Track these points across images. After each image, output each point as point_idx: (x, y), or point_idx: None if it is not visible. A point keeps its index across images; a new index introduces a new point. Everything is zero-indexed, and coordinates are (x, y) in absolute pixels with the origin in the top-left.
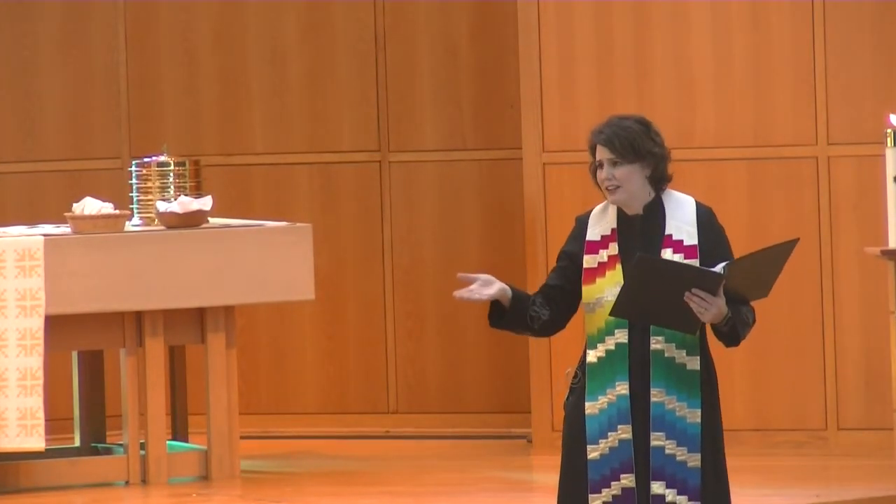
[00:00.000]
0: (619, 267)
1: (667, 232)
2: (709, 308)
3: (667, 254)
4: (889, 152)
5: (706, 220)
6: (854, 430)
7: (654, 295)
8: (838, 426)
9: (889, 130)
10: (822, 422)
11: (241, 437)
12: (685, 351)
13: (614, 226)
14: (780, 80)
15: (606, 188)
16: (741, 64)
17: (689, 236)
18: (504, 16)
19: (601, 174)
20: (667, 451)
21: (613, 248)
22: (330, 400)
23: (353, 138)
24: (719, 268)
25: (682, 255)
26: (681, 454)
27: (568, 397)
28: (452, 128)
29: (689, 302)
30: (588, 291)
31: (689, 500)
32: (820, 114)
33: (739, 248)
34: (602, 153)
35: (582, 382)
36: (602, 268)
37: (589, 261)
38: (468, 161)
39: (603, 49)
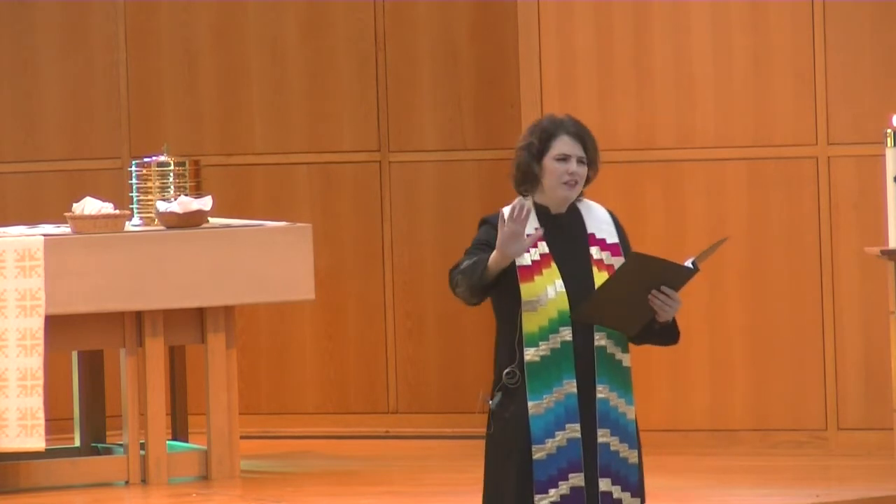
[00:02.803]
0: (553, 265)
1: (589, 231)
2: (672, 305)
3: (594, 252)
4: (889, 152)
5: (617, 220)
6: (854, 430)
7: (623, 294)
8: (838, 426)
9: (889, 130)
10: (822, 422)
11: (241, 437)
12: (621, 348)
13: (537, 225)
14: (780, 80)
15: (566, 182)
16: (741, 64)
17: (610, 235)
18: (504, 16)
19: (567, 167)
20: (612, 448)
21: (543, 247)
22: (330, 400)
23: (353, 138)
24: (689, 262)
25: (608, 252)
26: (623, 451)
27: (501, 400)
28: (452, 128)
29: (654, 299)
30: (528, 289)
31: (632, 496)
32: (820, 114)
33: (737, 248)
34: (572, 149)
35: (521, 382)
36: (537, 266)
37: (524, 259)
38: (468, 161)
39: (603, 49)
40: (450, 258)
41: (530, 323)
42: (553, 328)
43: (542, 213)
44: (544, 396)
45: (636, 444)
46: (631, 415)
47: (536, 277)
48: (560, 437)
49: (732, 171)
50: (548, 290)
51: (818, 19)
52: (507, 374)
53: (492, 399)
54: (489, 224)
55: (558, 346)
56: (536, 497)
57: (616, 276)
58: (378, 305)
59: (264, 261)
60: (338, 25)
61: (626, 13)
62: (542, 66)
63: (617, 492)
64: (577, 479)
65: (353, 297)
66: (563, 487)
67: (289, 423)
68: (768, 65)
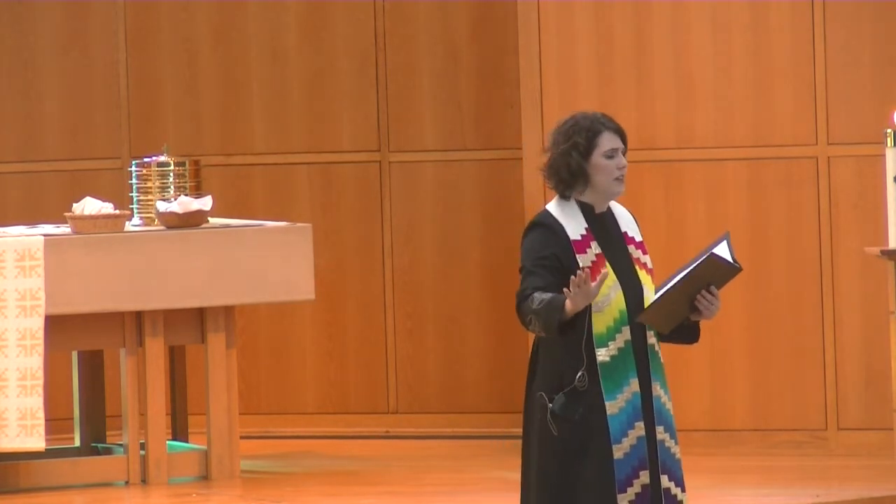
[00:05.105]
0: (608, 265)
1: (623, 229)
2: (716, 304)
3: (631, 250)
4: (889, 152)
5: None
6: (854, 430)
7: (680, 295)
8: (838, 426)
9: (889, 130)
10: (822, 422)
11: (241, 437)
12: (659, 344)
13: (586, 224)
14: (780, 80)
15: (617, 177)
16: (741, 64)
17: (637, 234)
18: (504, 16)
19: (617, 161)
20: (665, 445)
21: (596, 247)
22: (330, 400)
23: (353, 138)
24: (731, 259)
25: (640, 251)
26: (672, 446)
27: (566, 402)
28: (452, 128)
29: (701, 299)
30: None
31: (682, 491)
32: (820, 114)
33: (738, 248)
34: (617, 143)
35: (589, 385)
36: (596, 267)
37: (584, 260)
38: (468, 161)
39: (603, 49)
40: (450, 258)
41: (599, 324)
42: (617, 328)
43: (588, 211)
44: (617, 396)
45: (676, 436)
46: (671, 408)
47: (598, 278)
48: (631, 436)
49: (732, 171)
50: (610, 292)
51: (818, 19)
52: (580, 377)
53: (551, 403)
54: (542, 227)
55: (623, 345)
56: (619, 497)
57: (686, 278)
58: (378, 305)
59: (264, 261)
60: (338, 25)
61: (626, 13)
62: (542, 66)
63: (672, 487)
64: (645, 477)
65: (353, 297)
66: (636, 486)
67: (289, 423)
68: (768, 65)
